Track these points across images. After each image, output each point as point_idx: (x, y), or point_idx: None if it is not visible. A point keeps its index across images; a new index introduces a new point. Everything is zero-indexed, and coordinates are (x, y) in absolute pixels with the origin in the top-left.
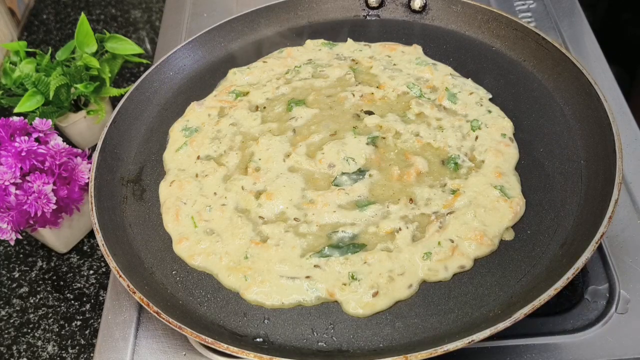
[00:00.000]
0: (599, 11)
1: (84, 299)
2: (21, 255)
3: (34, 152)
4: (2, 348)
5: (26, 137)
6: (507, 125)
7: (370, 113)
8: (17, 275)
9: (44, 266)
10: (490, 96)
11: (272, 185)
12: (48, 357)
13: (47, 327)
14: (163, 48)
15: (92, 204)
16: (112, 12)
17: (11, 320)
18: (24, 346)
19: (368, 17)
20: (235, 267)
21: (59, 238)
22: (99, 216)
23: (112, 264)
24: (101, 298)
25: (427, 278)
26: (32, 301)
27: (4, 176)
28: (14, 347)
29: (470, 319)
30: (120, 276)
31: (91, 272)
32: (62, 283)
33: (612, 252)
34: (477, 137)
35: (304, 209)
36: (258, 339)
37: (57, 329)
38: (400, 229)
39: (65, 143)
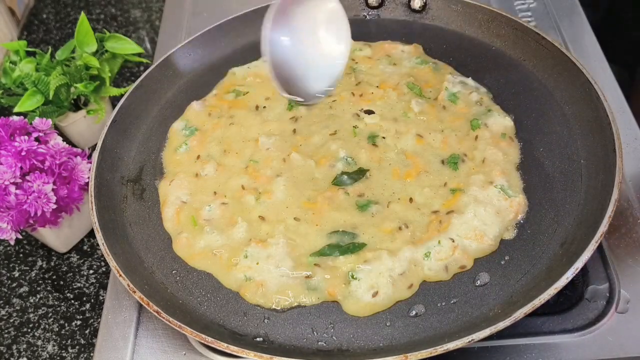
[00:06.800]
0: (599, 10)
1: (84, 299)
2: (21, 255)
3: (34, 152)
4: (2, 348)
5: (26, 137)
6: (507, 125)
7: (370, 112)
8: (17, 275)
9: (43, 266)
10: (491, 95)
11: (272, 184)
12: (48, 356)
13: (47, 326)
14: (163, 47)
15: (92, 203)
16: (112, 11)
17: (11, 320)
18: (24, 346)
19: (368, 17)
20: (235, 267)
21: (58, 238)
22: (98, 216)
23: (112, 264)
24: (101, 297)
25: (427, 278)
26: (32, 301)
27: (3, 176)
28: (14, 347)
29: (470, 319)
30: (120, 275)
31: (91, 271)
32: (62, 283)
33: (612, 251)
34: (477, 137)
35: (304, 208)
36: (258, 339)
37: (57, 329)
38: (400, 228)
39: (65, 142)
